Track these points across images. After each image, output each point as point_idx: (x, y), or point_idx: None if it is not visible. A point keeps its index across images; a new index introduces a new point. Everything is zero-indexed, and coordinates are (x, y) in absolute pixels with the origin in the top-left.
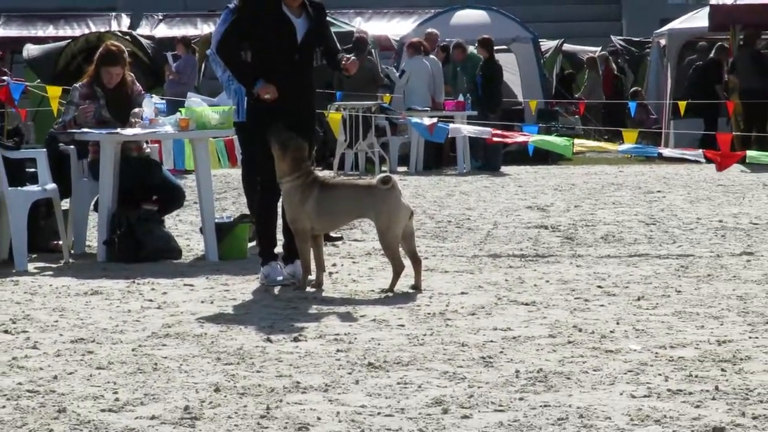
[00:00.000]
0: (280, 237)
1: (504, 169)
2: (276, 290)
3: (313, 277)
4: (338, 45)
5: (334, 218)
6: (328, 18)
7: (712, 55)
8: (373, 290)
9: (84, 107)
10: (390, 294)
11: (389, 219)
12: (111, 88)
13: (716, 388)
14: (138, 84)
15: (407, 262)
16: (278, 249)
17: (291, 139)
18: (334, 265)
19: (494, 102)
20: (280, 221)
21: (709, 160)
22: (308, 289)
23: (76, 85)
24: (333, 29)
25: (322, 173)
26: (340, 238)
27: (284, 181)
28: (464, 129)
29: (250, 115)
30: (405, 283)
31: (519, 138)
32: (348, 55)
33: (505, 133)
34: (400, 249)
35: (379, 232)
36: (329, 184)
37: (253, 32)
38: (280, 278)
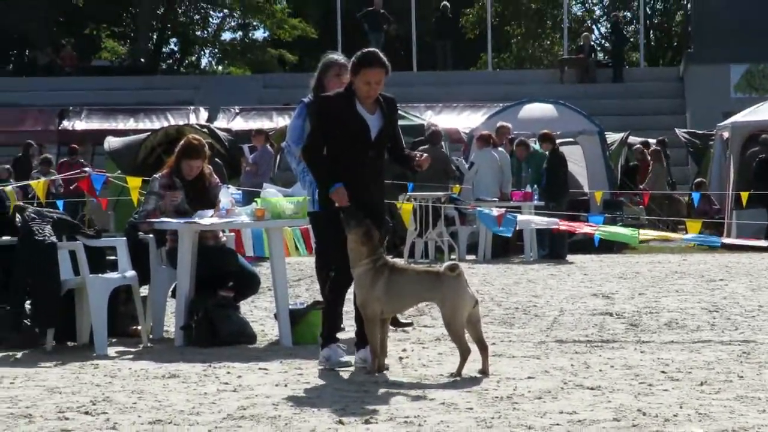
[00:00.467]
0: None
1: (570, 257)
2: (347, 375)
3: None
4: (404, 143)
5: (402, 301)
6: (399, 111)
7: None
8: (441, 374)
9: (172, 193)
10: (458, 378)
11: (454, 305)
12: (190, 180)
13: None
14: (215, 176)
15: (474, 347)
16: (344, 335)
17: (366, 226)
18: (404, 350)
19: (561, 191)
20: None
21: None
22: (376, 373)
23: (156, 176)
24: (404, 122)
25: (393, 260)
26: (411, 324)
27: (357, 266)
28: (533, 220)
29: (323, 204)
30: (473, 367)
31: (586, 229)
32: (418, 153)
33: (572, 224)
34: (468, 335)
35: (444, 317)
36: (398, 269)
37: (330, 131)
38: (343, 359)
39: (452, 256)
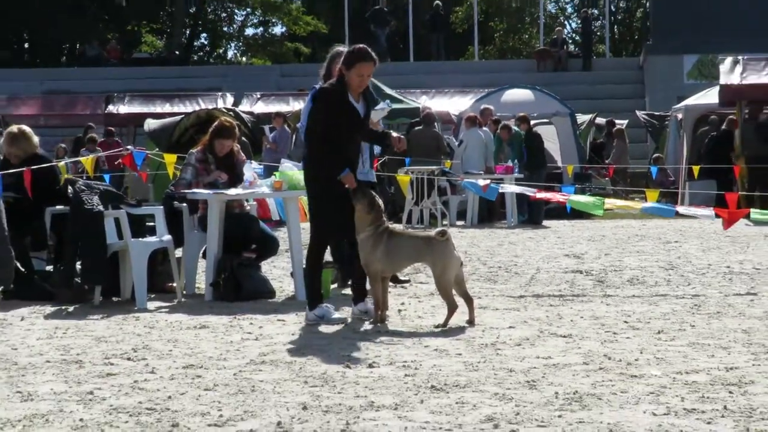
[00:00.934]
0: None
1: (545, 223)
2: (352, 325)
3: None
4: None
5: (399, 262)
6: (398, 96)
7: (724, 126)
8: (435, 325)
9: (218, 173)
10: (444, 328)
11: (443, 266)
12: (221, 156)
13: (725, 407)
14: (242, 153)
15: (461, 301)
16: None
17: (371, 197)
18: (402, 304)
19: (541, 163)
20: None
21: (718, 217)
22: (379, 323)
23: (192, 151)
24: (402, 106)
25: (392, 225)
26: (408, 281)
27: (362, 232)
28: (511, 188)
29: (324, 179)
30: (462, 318)
31: (559, 197)
32: (395, 134)
33: (547, 194)
34: (455, 291)
35: (435, 276)
36: (396, 234)
37: (329, 118)
38: (336, 315)
39: (444, 222)
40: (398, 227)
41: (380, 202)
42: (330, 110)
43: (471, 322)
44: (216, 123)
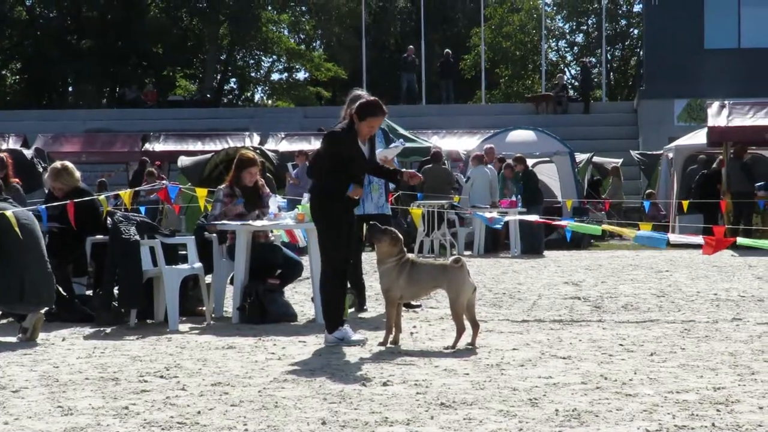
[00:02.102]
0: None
1: (546, 253)
2: (367, 348)
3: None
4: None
5: (419, 288)
6: (411, 136)
7: (714, 165)
8: (445, 347)
9: (241, 212)
10: (453, 350)
11: (457, 290)
12: (248, 188)
13: (713, 424)
14: (266, 187)
15: (468, 325)
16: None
17: (392, 233)
18: (414, 327)
19: (537, 198)
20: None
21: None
22: (389, 345)
23: (220, 187)
24: (415, 145)
25: (413, 256)
26: (419, 306)
27: (386, 262)
28: (516, 217)
29: (331, 212)
30: (465, 341)
31: (562, 222)
32: (406, 171)
33: (549, 221)
34: (464, 315)
35: (450, 300)
36: (417, 264)
37: (339, 159)
38: (355, 338)
39: (453, 252)
40: (419, 258)
41: (400, 235)
42: (340, 152)
43: (473, 344)
44: (237, 156)
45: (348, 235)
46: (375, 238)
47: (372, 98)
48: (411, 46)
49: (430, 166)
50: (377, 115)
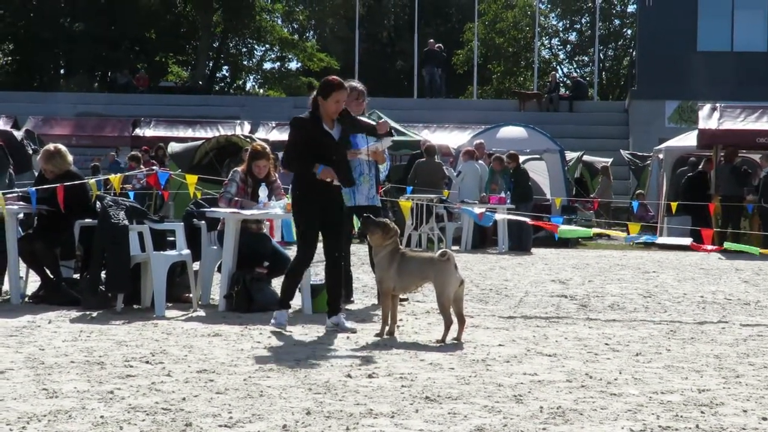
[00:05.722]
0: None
1: (534, 250)
2: (354, 338)
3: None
4: (366, 121)
5: (408, 280)
6: (402, 129)
7: (700, 167)
8: (431, 340)
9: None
10: (441, 344)
11: (443, 283)
12: (260, 178)
13: (697, 426)
14: (275, 174)
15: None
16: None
17: (384, 224)
18: (401, 320)
19: (527, 195)
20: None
21: (693, 249)
22: (385, 336)
23: (237, 169)
24: (405, 138)
25: (405, 249)
26: (406, 299)
27: (380, 252)
28: (503, 215)
29: (301, 196)
30: (450, 335)
31: (551, 225)
32: (378, 123)
33: (540, 222)
34: (451, 309)
35: (437, 293)
36: (407, 256)
37: (306, 143)
38: (347, 325)
39: (440, 246)
40: (409, 250)
41: (395, 226)
42: (305, 137)
43: (458, 339)
44: (251, 148)
45: (322, 220)
46: (368, 230)
47: (331, 76)
48: (431, 40)
49: (423, 159)
50: (341, 88)
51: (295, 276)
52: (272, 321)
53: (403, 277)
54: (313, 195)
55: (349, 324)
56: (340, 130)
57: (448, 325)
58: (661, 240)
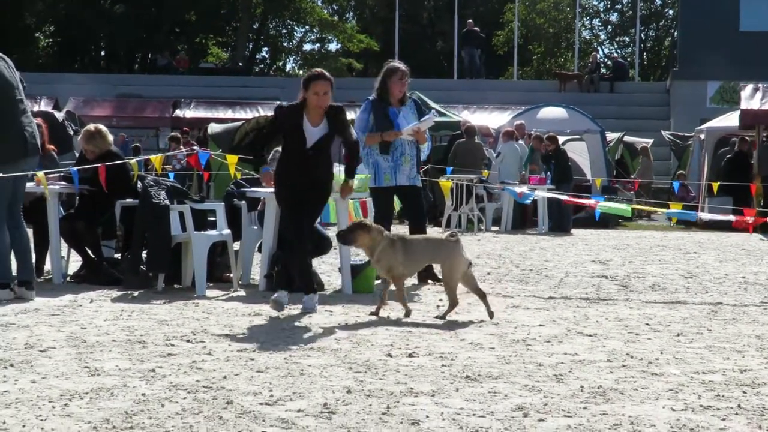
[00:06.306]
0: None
1: (574, 231)
2: (394, 318)
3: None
4: (353, 137)
5: (416, 262)
6: (442, 110)
7: (736, 147)
8: (471, 320)
9: None
10: (443, 320)
11: (451, 265)
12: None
13: (739, 405)
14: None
15: (476, 297)
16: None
17: (355, 225)
18: (440, 300)
19: (567, 176)
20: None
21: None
22: (370, 314)
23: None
24: (445, 119)
25: (399, 234)
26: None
27: (378, 246)
28: (546, 194)
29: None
30: (497, 317)
31: (590, 202)
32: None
33: (578, 200)
34: (468, 288)
35: (444, 274)
36: (408, 239)
37: (282, 133)
38: (285, 302)
39: (480, 227)
40: (405, 235)
41: (367, 218)
42: (282, 124)
43: (491, 315)
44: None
45: (299, 199)
46: (352, 239)
47: (314, 68)
48: (470, 20)
49: (463, 140)
50: (318, 79)
51: (293, 259)
52: (301, 306)
53: (412, 262)
54: (284, 181)
55: (317, 305)
56: (323, 132)
57: (453, 305)
58: (702, 215)
